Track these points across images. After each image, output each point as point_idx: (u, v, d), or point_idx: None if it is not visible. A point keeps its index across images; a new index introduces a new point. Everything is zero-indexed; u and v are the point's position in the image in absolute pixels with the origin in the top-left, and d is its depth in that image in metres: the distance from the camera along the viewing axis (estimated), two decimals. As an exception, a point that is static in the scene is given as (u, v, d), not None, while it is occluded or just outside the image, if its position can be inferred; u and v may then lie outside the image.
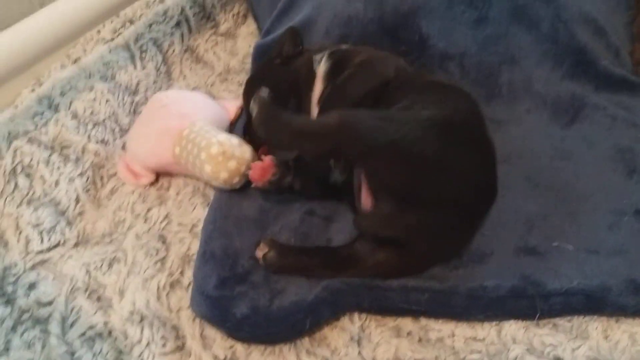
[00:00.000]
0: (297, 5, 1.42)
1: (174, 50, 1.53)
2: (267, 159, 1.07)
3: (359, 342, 0.96)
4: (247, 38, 1.63)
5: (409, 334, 0.98)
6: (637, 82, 1.34)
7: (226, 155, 1.09)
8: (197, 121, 1.18)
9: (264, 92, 1.02)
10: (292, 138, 0.91)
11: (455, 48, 1.32)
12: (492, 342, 0.96)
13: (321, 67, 1.14)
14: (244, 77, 1.49)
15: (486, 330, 0.98)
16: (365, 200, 0.97)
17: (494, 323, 0.98)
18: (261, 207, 1.11)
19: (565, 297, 0.97)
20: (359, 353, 0.95)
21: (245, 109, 1.23)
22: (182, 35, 1.56)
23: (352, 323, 0.98)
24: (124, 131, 1.33)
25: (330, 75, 1.12)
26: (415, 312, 0.98)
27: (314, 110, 1.13)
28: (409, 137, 0.89)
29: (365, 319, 0.99)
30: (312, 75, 1.14)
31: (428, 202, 0.91)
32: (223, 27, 1.64)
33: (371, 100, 1.04)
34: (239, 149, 1.10)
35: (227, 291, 0.97)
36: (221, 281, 0.98)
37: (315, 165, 1.09)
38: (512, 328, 0.98)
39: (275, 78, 1.17)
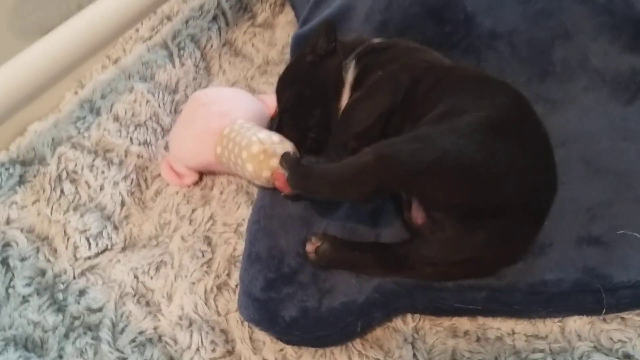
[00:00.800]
0: (335, -8, 1.37)
1: (212, 45, 1.51)
2: (283, 172, 1.03)
3: (413, 344, 0.92)
4: (286, 27, 1.59)
5: (466, 333, 0.94)
6: None
7: (267, 153, 1.05)
8: (237, 119, 1.15)
9: (289, 151, 1.02)
10: (332, 190, 0.88)
11: (503, 25, 1.25)
12: (555, 339, 0.91)
13: (349, 75, 1.10)
14: (282, 69, 1.45)
15: (549, 327, 0.93)
16: (416, 213, 0.93)
17: (556, 319, 0.93)
18: (305, 205, 1.07)
19: (633, 290, 0.91)
20: (414, 355, 0.91)
21: (278, 106, 1.19)
22: (219, 30, 1.53)
23: (405, 324, 0.95)
24: (165, 131, 1.32)
25: (356, 86, 1.08)
26: (472, 312, 0.94)
27: None
28: (453, 151, 0.83)
29: (419, 320, 0.95)
30: (340, 83, 1.10)
31: (491, 213, 0.85)
32: (260, 18, 1.61)
33: (398, 114, 1.01)
34: (281, 147, 1.07)
35: (274, 293, 0.95)
36: (268, 283, 0.96)
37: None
38: (577, 324, 0.92)
39: (304, 81, 1.14)
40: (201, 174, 1.24)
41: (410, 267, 0.91)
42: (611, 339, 0.90)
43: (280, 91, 1.18)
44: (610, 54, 1.24)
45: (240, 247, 1.08)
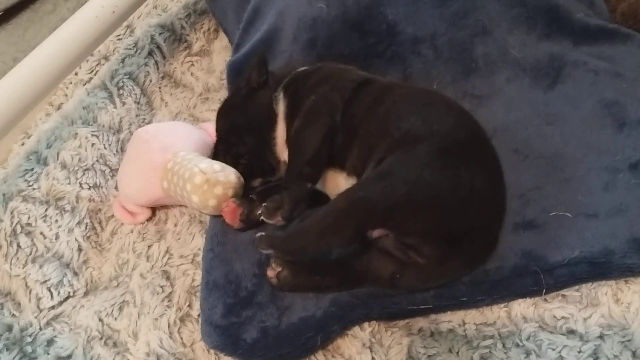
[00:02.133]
0: (261, 15, 1.41)
1: (151, 80, 1.53)
2: (230, 203, 1.08)
3: (371, 348, 0.96)
4: (222, 53, 1.62)
5: (420, 330, 0.98)
6: (616, 29, 1.30)
7: (210, 182, 1.09)
8: (179, 152, 1.19)
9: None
10: (316, 245, 0.93)
11: (424, 30, 1.30)
12: (503, 324, 0.96)
13: (280, 107, 1.15)
14: (224, 94, 1.49)
15: (496, 314, 0.98)
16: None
17: (502, 305, 0.98)
18: (261, 227, 1.11)
19: (569, 268, 0.97)
20: (372, 359, 0.95)
21: (216, 135, 1.23)
22: (156, 64, 1.56)
23: (362, 330, 0.99)
24: (114, 171, 1.34)
25: (289, 117, 1.13)
26: (424, 311, 0.99)
27: (283, 152, 1.14)
28: (419, 182, 0.90)
29: (376, 324, 0.99)
30: (273, 115, 1.15)
31: (464, 235, 0.92)
32: (196, 47, 1.64)
33: (341, 134, 1.05)
34: (223, 174, 1.11)
35: (234, 317, 0.99)
36: (228, 308, 1.00)
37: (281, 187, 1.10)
38: (521, 307, 0.98)
39: (237, 112, 1.18)
40: (154, 209, 1.27)
41: (373, 279, 0.96)
42: (554, 316, 0.95)
43: (217, 121, 1.22)
44: (528, 44, 1.30)
45: (199, 277, 1.11)
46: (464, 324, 0.98)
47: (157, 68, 1.56)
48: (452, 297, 0.97)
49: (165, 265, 1.16)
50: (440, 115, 1.01)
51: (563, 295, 0.97)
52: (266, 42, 1.34)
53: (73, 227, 1.23)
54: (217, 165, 1.12)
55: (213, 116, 1.42)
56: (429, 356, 0.94)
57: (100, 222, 1.27)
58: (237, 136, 1.17)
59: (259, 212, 1.03)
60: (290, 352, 0.95)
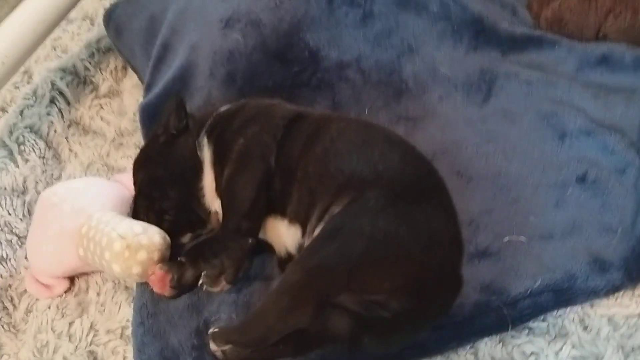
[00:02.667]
0: (172, 50, 1.30)
1: (56, 130, 1.39)
2: (157, 270, 0.95)
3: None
4: (133, 92, 1.49)
5: (383, 386, 0.89)
6: (542, 36, 1.28)
7: (132, 248, 0.96)
8: (94, 214, 1.06)
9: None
10: (277, 330, 0.80)
11: (349, 53, 1.23)
12: (471, 369, 0.89)
13: (205, 153, 1.03)
14: (139, 138, 1.37)
15: (462, 358, 0.90)
16: None
17: (468, 347, 0.91)
18: (191, 291, 1.00)
19: (532, 299, 0.91)
20: None
21: (134, 189, 1.10)
22: (60, 112, 1.41)
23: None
24: (23, 238, 1.19)
25: (217, 163, 1.01)
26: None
27: (213, 202, 1.03)
28: (376, 234, 0.81)
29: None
30: (198, 163, 1.04)
31: (431, 282, 0.83)
32: (104, 88, 1.50)
33: (278, 177, 0.96)
34: (145, 237, 0.98)
35: (177, 400, 0.87)
36: (167, 392, 0.87)
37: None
38: (488, 346, 0.91)
39: (157, 163, 1.06)
40: (72, 278, 1.13)
41: (332, 338, 0.85)
42: (524, 353, 0.89)
43: (135, 174, 1.10)
44: (456, 59, 1.26)
45: (130, 354, 0.98)
46: (430, 374, 0.90)
47: (62, 116, 1.41)
48: (417, 345, 0.89)
49: (90, 345, 1.02)
50: (384, 153, 0.93)
51: (530, 328, 0.91)
52: (180, 79, 1.23)
53: (-20, 311, 1.07)
54: (138, 226, 1.00)
55: (129, 164, 1.31)
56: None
57: (12, 300, 1.12)
58: (159, 190, 1.05)
59: (200, 282, 0.92)
60: None
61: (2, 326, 1.08)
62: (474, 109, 1.20)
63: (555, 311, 0.92)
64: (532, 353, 0.89)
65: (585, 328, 0.90)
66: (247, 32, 1.21)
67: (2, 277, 1.13)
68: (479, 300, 0.91)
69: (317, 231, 0.89)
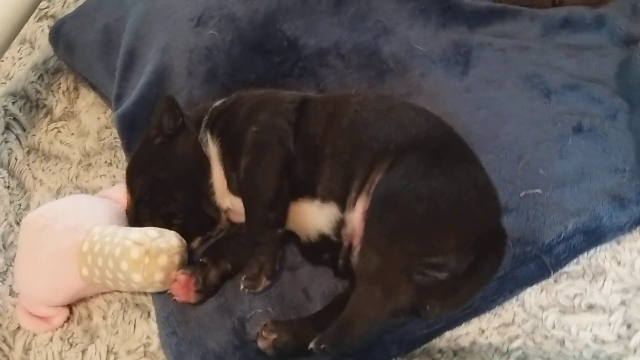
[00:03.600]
0: (139, 56, 1.23)
1: (16, 158, 1.28)
2: (179, 276, 0.91)
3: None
4: (91, 111, 1.40)
5: (441, 352, 0.88)
6: (504, 8, 1.32)
7: (151, 253, 0.90)
8: (92, 229, 0.97)
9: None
10: (380, 317, 0.79)
11: (327, 40, 1.22)
12: (523, 319, 0.89)
13: (212, 149, 0.99)
14: (110, 154, 1.29)
15: (511, 312, 0.90)
16: None
17: (514, 301, 0.91)
18: (219, 292, 0.94)
19: (566, 243, 0.93)
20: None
21: (131, 198, 1.03)
22: (17, 138, 1.30)
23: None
24: (2, 273, 1.09)
25: (228, 156, 0.97)
26: (439, 331, 0.88)
27: (224, 199, 0.98)
28: (434, 195, 0.81)
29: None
30: (204, 159, 0.99)
31: (486, 234, 0.83)
32: (58, 110, 1.40)
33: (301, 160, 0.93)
34: (163, 240, 0.92)
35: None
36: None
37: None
38: (533, 297, 0.91)
39: (157, 166, 1.00)
40: (70, 306, 1.03)
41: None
42: (568, 296, 0.90)
43: (131, 182, 1.02)
44: (429, 36, 1.28)
45: (161, 369, 0.90)
46: (483, 332, 0.89)
47: (20, 143, 1.31)
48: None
49: (113, 369, 0.93)
50: (412, 118, 0.93)
51: (567, 273, 0.93)
52: (156, 83, 1.17)
53: (-29, 357, 0.95)
54: (153, 231, 0.93)
55: (105, 183, 1.24)
56: (463, 378, 0.84)
57: (5, 340, 1.01)
58: (163, 194, 0.98)
59: (242, 287, 0.87)
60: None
61: (1, 370, 0.96)
62: (456, 81, 1.22)
63: (587, 253, 0.94)
64: (575, 295, 0.90)
65: (619, 263, 0.92)
66: (223, 27, 1.17)
67: (-12, 318, 1.01)
68: (516, 252, 0.91)
69: (359, 203, 0.86)
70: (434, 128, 0.93)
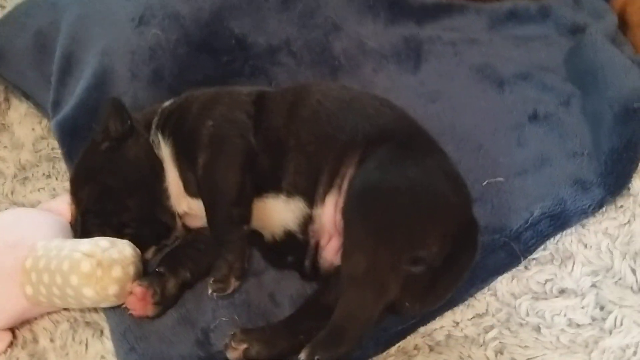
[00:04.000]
0: (77, 61, 1.16)
1: (-54, 174, 1.18)
2: (135, 288, 0.85)
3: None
4: (25, 122, 1.31)
5: (416, 349, 0.85)
6: (450, 3, 1.32)
7: (104, 265, 0.83)
8: (36, 243, 0.90)
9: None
10: (373, 316, 0.76)
11: (276, 37, 1.19)
12: (497, 309, 0.88)
13: (164, 150, 0.93)
14: (48, 166, 1.21)
15: (483, 302, 0.89)
16: (333, 255, 0.85)
17: (486, 290, 0.89)
18: (178, 303, 0.88)
19: (533, 229, 0.93)
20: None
21: (76, 209, 0.96)
22: (-54, 155, 1.20)
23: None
24: None
25: (183, 156, 0.92)
26: (413, 327, 0.86)
27: (181, 203, 0.94)
28: (414, 187, 0.80)
29: (367, 360, 0.83)
30: (157, 162, 0.93)
31: (463, 224, 0.83)
32: (-12, 123, 1.30)
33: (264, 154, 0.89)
34: (115, 250, 0.86)
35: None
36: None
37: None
38: (504, 284, 0.90)
39: (105, 173, 0.94)
40: (12, 330, 0.94)
41: None
42: (539, 282, 0.89)
43: (76, 191, 0.95)
44: (378, 32, 1.27)
45: (119, 391, 0.84)
46: (458, 324, 0.87)
47: (-50, 160, 1.21)
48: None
49: (67, 394, 0.85)
50: (376, 108, 0.91)
51: (536, 259, 0.92)
52: (96, 87, 1.11)
53: None
54: (104, 241, 0.86)
55: (45, 196, 1.16)
56: (443, 373, 0.81)
57: (-61, 372, 0.90)
58: (113, 202, 0.92)
59: (210, 291, 0.82)
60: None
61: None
62: (409, 75, 1.21)
63: (553, 238, 0.93)
64: (547, 281, 0.89)
65: (585, 246, 0.92)
66: (166, 26, 1.12)
67: None
68: (484, 241, 0.90)
69: (330, 198, 0.83)
70: (400, 119, 0.92)
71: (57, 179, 1.18)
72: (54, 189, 1.16)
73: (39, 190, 1.17)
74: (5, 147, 1.28)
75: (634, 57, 1.09)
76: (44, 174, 1.20)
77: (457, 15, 1.31)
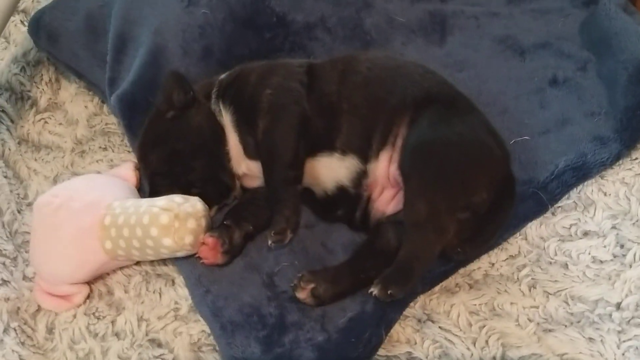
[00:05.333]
0: (131, 39, 1.25)
1: (10, 149, 1.27)
2: (207, 239, 0.95)
3: (430, 319, 0.91)
4: (76, 100, 1.40)
5: (458, 286, 0.95)
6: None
7: (180, 218, 0.93)
8: (112, 203, 1.00)
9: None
10: (434, 256, 0.88)
11: (313, 15, 1.28)
12: (527, 251, 0.98)
13: (226, 117, 1.02)
14: (103, 140, 1.30)
15: (516, 245, 0.99)
16: (385, 205, 0.95)
17: (517, 235, 1.00)
18: (243, 252, 0.98)
19: (558, 179, 1.02)
20: (440, 328, 0.89)
21: (144, 172, 1.06)
22: (8, 130, 1.30)
23: (411, 309, 0.92)
24: (14, 260, 1.08)
25: (243, 122, 1.01)
26: (454, 269, 0.96)
27: (240, 164, 1.03)
28: (465, 141, 0.91)
29: (419, 299, 0.94)
30: (219, 128, 1.03)
31: (508, 173, 0.95)
32: (43, 101, 1.40)
33: (319, 118, 0.98)
34: (189, 205, 0.95)
35: (278, 348, 0.86)
36: (265, 342, 0.87)
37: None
38: (534, 230, 1.00)
39: (172, 138, 1.03)
40: (89, 284, 1.04)
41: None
42: (565, 226, 0.99)
43: (144, 156, 1.05)
44: (405, 8, 1.36)
45: (195, 330, 0.94)
46: (493, 265, 0.97)
47: (11, 134, 1.30)
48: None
49: (148, 335, 0.96)
50: (420, 74, 1.00)
51: (560, 207, 1.02)
52: (152, 64, 1.20)
53: (2, 338, 0.96)
54: (178, 197, 0.96)
55: (101, 167, 1.25)
56: (485, 304, 0.91)
57: (26, 322, 1.01)
58: (181, 164, 1.02)
59: (270, 242, 0.92)
60: (358, 355, 0.85)
61: (30, 350, 0.97)
62: (436, 48, 1.31)
63: (576, 188, 1.03)
64: (571, 225, 1.00)
65: (605, 194, 1.02)
66: (214, 5, 1.21)
67: (9, 300, 1.02)
68: (517, 190, 1.00)
69: (384, 154, 0.93)
70: (442, 83, 1.01)
71: (113, 151, 1.28)
72: (112, 160, 1.25)
73: (97, 161, 1.26)
74: (60, 123, 1.37)
75: (644, 24, 1.18)
76: (100, 147, 1.29)
77: (477, -10, 1.41)
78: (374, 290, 0.84)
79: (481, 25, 1.32)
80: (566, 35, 1.27)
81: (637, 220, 0.98)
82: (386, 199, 0.94)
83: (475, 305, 0.92)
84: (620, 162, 1.06)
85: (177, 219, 0.93)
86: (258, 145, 0.99)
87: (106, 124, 1.33)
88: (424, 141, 0.91)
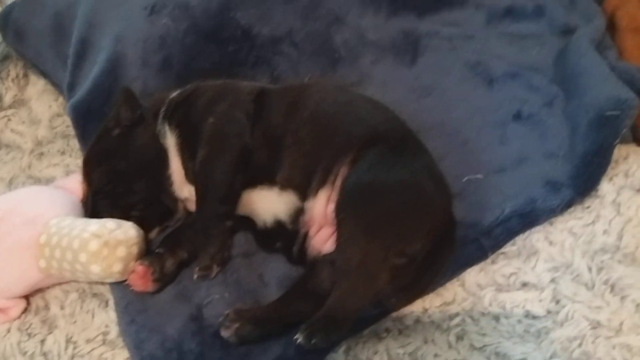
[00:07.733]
0: (93, 45, 1.23)
1: (-32, 147, 1.27)
2: (137, 267, 0.94)
3: (351, 366, 0.89)
4: (42, 98, 1.39)
5: (387, 331, 0.94)
6: (451, -6, 1.36)
7: (110, 245, 0.92)
8: (50, 220, 0.99)
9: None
10: (364, 305, 0.86)
11: (280, 28, 1.25)
12: (463, 298, 0.96)
13: (169, 140, 1.01)
14: (62, 143, 1.30)
15: (452, 291, 0.97)
16: (320, 244, 0.92)
17: (455, 281, 0.97)
18: (176, 280, 0.97)
19: (503, 225, 0.99)
20: (357, 376, 0.88)
21: (88, 189, 1.05)
22: (-32, 127, 1.29)
23: (335, 352, 0.91)
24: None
25: (186, 147, 1.00)
26: (387, 312, 0.93)
27: (182, 189, 1.01)
28: (405, 187, 0.88)
29: (345, 344, 0.92)
30: (162, 151, 1.01)
31: (446, 220, 0.93)
32: (8, 98, 1.39)
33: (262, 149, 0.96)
34: (121, 232, 0.94)
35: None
36: (181, 380, 0.85)
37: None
38: (472, 276, 0.98)
39: (115, 157, 1.02)
40: (26, 297, 1.04)
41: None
42: (504, 275, 0.97)
43: (88, 173, 1.04)
44: (379, 25, 1.32)
45: (121, 358, 0.94)
46: (426, 310, 0.95)
47: (-29, 131, 1.30)
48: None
49: (73, 358, 0.96)
50: (369, 111, 0.99)
51: (503, 253, 0.99)
52: (110, 73, 1.18)
53: None
54: (111, 222, 0.95)
55: (59, 172, 1.25)
56: (409, 354, 0.90)
57: (-41, 335, 1.01)
58: (122, 185, 1.00)
59: (195, 277, 0.93)
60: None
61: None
62: (405, 69, 1.27)
63: (522, 234, 1.00)
64: (511, 274, 0.97)
65: (550, 243, 0.99)
66: (176, 15, 1.18)
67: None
68: (458, 235, 0.97)
69: (322, 193, 0.91)
70: (390, 121, 0.99)
71: (70, 155, 1.27)
72: (68, 165, 1.25)
73: (54, 165, 1.26)
74: (23, 122, 1.37)
75: (615, 63, 1.12)
76: (58, 151, 1.29)
77: (457, 8, 1.35)
78: (299, 337, 0.82)
79: (454, 48, 1.28)
80: (539, 65, 1.22)
81: (576, 276, 0.95)
82: (323, 238, 0.92)
83: (399, 354, 0.90)
84: (572, 209, 1.02)
85: (107, 246, 0.92)
86: (194, 175, 0.97)
87: (67, 126, 1.32)
88: (361, 184, 0.89)
